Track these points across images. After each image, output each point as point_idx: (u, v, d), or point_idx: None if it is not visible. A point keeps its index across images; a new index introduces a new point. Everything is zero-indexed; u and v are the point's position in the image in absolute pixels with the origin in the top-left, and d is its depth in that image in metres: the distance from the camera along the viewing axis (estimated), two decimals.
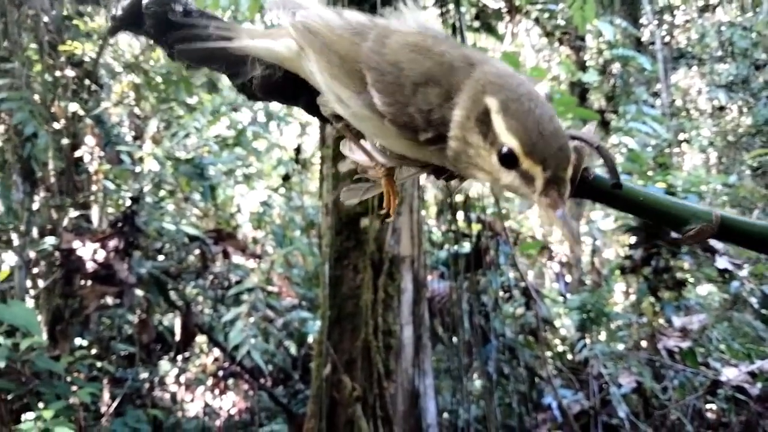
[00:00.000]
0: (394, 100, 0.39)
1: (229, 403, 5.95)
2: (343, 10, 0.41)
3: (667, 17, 8.52)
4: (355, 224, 3.09)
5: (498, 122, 0.37)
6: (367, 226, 3.05)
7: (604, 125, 5.66)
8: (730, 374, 3.89)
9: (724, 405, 4.01)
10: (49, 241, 3.55)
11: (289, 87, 0.44)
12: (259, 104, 6.02)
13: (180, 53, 0.45)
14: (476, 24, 4.63)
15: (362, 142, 0.44)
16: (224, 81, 5.57)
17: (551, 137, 0.37)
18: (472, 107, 0.38)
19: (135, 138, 4.74)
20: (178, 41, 0.45)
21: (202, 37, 0.45)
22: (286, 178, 5.77)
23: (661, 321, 4.38)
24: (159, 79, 4.81)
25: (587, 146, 0.41)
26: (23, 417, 2.89)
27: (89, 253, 3.35)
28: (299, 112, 6.74)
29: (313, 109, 0.44)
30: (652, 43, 7.29)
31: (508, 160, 0.38)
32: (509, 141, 0.37)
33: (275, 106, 6.10)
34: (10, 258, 3.89)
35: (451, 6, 3.69)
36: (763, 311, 4.24)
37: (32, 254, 3.65)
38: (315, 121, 6.77)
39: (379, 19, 0.41)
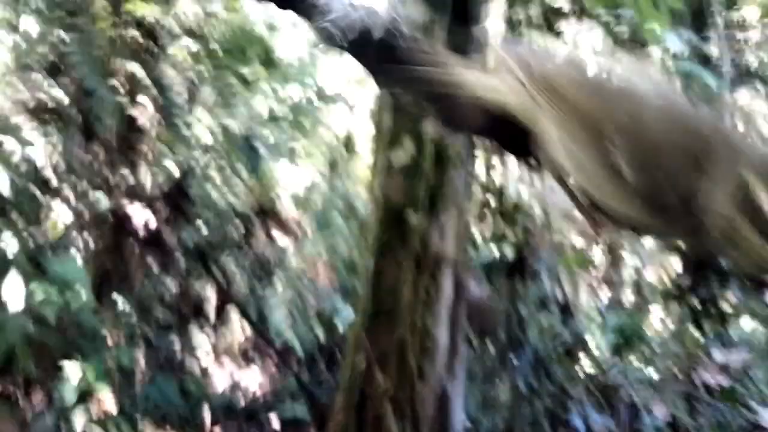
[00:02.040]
0: (643, 161, 0.37)
1: (255, 381, 6.02)
2: (585, 68, 0.39)
3: (738, 34, 8.17)
4: (401, 219, 3.06)
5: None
6: (413, 222, 3.02)
7: None
8: None
9: None
10: (103, 200, 3.62)
11: (503, 127, 0.42)
12: (311, 81, 6.02)
13: (395, 82, 0.45)
14: (541, 23, 4.52)
15: (578, 195, 0.43)
16: (279, 54, 5.58)
17: None
18: (733, 188, 0.36)
19: (188, 104, 4.78)
20: (398, 71, 0.44)
21: (418, 62, 0.44)
22: (333, 165, 5.78)
23: (701, 353, 4.25)
24: (216, 47, 4.83)
25: None
26: (64, 370, 2.97)
27: (142, 218, 3.41)
28: (349, 93, 6.70)
29: (518, 149, 0.43)
30: (719, 60, 7.01)
31: None
32: None
33: (326, 86, 6.09)
34: (65, 215, 3.99)
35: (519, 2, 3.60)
36: None
37: (86, 214, 3.74)
38: (364, 106, 6.73)
39: (626, 86, 0.39)
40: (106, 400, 2.81)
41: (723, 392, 3.83)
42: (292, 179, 6.18)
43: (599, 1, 4.60)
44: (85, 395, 2.82)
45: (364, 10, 0.42)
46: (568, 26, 5.32)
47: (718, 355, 4.14)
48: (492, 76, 0.41)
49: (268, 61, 5.23)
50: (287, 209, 6.01)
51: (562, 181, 0.40)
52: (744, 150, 0.35)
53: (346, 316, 4.99)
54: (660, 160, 0.35)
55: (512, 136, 0.41)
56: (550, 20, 4.78)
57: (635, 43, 6.32)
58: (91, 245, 3.78)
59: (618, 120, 0.36)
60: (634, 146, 0.36)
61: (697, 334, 4.27)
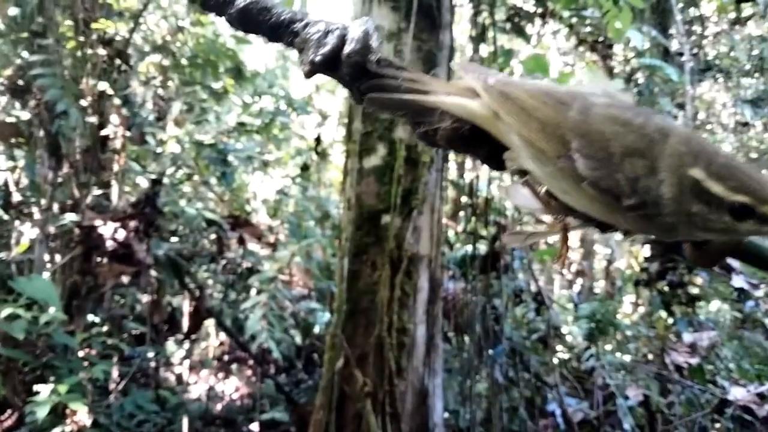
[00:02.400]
0: (601, 165, 0.42)
1: (232, 387, 6.00)
2: (538, 81, 0.44)
3: (697, 28, 8.43)
4: (375, 221, 3.09)
5: (716, 188, 0.40)
6: (388, 223, 3.05)
7: None
8: (738, 394, 3.88)
9: (730, 424, 4.00)
10: (70, 217, 3.58)
11: (473, 139, 0.46)
12: (281, 92, 6.04)
13: (370, 100, 0.48)
14: (507, 25, 4.62)
15: (542, 194, 0.47)
16: (249, 68, 5.60)
17: (760, 177, 0.41)
18: (680, 183, 0.41)
19: (158, 119, 4.76)
20: (370, 89, 0.47)
21: (393, 87, 0.47)
22: (304, 168, 5.78)
23: (671, 335, 4.36)
24: (185, 62, 4.82)
25: None
26: (36, 389, 2.92)
27: (110, 231, 3.37)
28: (319, 102, 6.74)
29: (492, 160, 0.47)
30: (680, 54, 7.21)
31: (744, 213, 0.42)
32: (739, 198, 0.40)
33: (296, 94, 6.12)
34: (31, 232, 3.93)
35: (485, 6, 3.68)
36: None
37: (52, 229, 3.68)
38: (335, 113, 6.77)
39: (573, 89, 0.44)
40: (80, 414, 2.77)
41: (692, 371, 3.94)
42: (265, 187, 6.17)
43: (563, 3, 4.71)
44: (57, 411, 2.77)
45: (339, 30, 0.44)
46: (534, 28, 5.43)
47: (687, 336, 4.26)
48: (458, 95, 0.44)
49: (238, 74, 5.21)
50: (260, 217, 6.00)
51: (530, 186, 0.44)
52: (686, 145, 0.40)
53: (322, 318, 5.01)
54: (613, 159, 0.40)
55: (485, 148, 0.45)
56: (516, 22, 4.88)
57: (599, 42, 6.48)
58: (60, 261, 3.73)
59: (572, 124, 0.41)
60: (588, 148, 0.40)
61: (667, 317, 4.39)
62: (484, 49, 4.00)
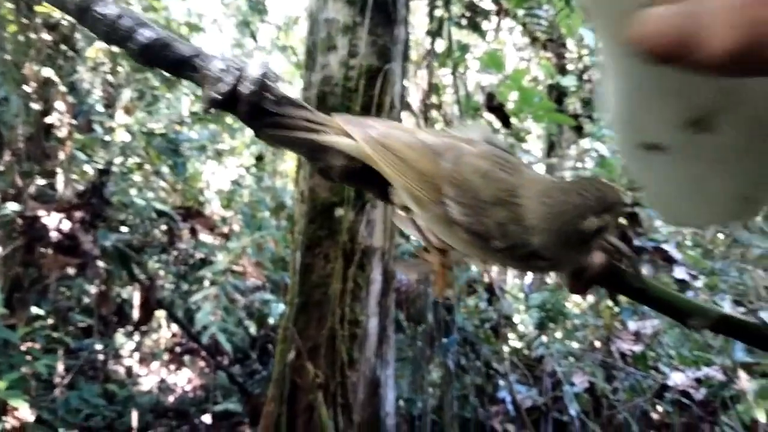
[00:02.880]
0: (473, 212, 0.45)
1: (184, 379, 5.92)
2: (416, 132, 0.46)
3: None
4: (329, 213, 3.09)
5: (583, 226, 0.43)
6: (341, 216, 3.06)
7: (578, 130, 5.77)
8: (678, 379, 4.06)
9: (670, 408, 4.18)
10: (12, 206, 3.45)
11: (366, 176, 0.49)
12: None
13: (267, 137, 0.49)
14: (463, 22, 4.65)
15: (424, 231, 0.50)
16: None
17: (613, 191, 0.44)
18: (544, 230, 0.44)
19: (106, 107, 4.62)
20: (267, 126, 0.49)
21: (290, 126, 0.49)
22: (259, 158, 5.71)
23: (617, 324, 4.52)
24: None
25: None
26: None
27: (54, 222, 3.26)
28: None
29: (385, 196, 0.49)
30: None
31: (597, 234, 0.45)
32: (595, 224, 0.43)
33: None
34: None
35: (440, 2, 3.71)
36: None
37: None
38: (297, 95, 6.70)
39: (448, 139, 0.47)
40: (22, 410, 2.69)
41: (636, 358, 4.10)
42: (218, 177, 6.07)
43: (515, 2, 4.78)
44: None
45: (235, 69, 0.45)
46: (490, 24, 5.49)
47: (632, 324, 4.42)
48: (347, 138, 0.47)
49: None
50: (214, 207, 5.91)
51: (414, 222, 0.47)
52: (546, 195, 0.44)
53: (277, 309, 4.99)
54: (482, 206, 0.44)
55: (378, 184, 0.48)
56: (472, 18, 4.91)
57: (552, 41, 6.60)
58: (1, 252, 3.59)
59: (444, 173, 0.44)
60: (460, 196, 0.44)
61: (613, 306, 4.54)
62: (441, 45, 4.03)
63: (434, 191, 0.46)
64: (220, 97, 0.47)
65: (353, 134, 0.47)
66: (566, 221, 0.42)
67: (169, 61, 0.49)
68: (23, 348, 3.16)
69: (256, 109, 0.47)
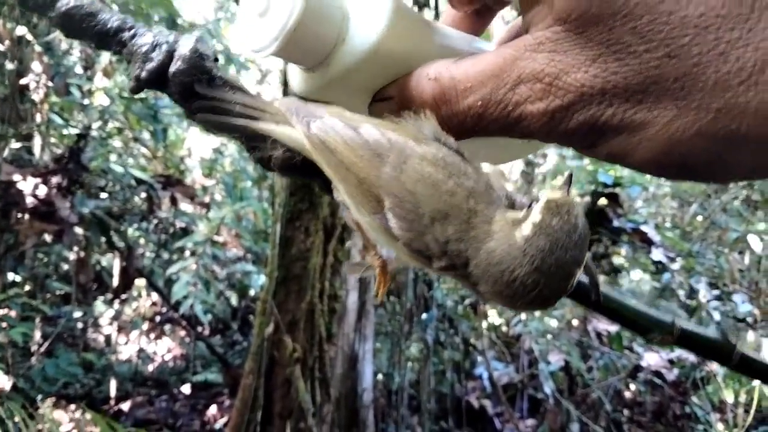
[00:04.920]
0: (412, 227, 0.40)
1: (164, 348, 5.92)
2: (361, 126, 0.42)
3: None
4: (310, 187, 3.06)
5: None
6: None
7: None
8: (651, 360, 4.15)
9: (642, 387, 4.28)
10: None
11: (307, 168, 0.45)
12: (219, 47, 5.81)
13: (201, 120, 0.45)
14: None
15: (367, 233, 0.45)
16: (185, 17, 5.35)
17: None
18: (488, 250, 0.39)
19: (85, 69, 4.50)
20: (200, 110, 0.44)
21: (226, 111, 0.44)
22: None
23: None
24: (115, 7, 4.54)
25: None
26: None
27: (30, 187, 3.20)
28: (260, 60, 6.53)
29: (328, 188, 0.45)
30: None
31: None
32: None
33: (237, 50, 5.91)
34: None
35: None
36: (688, 302, 4.50)
37: None
38: (276, 71, 6.59)
39: (394, 135, 0.42)
40: None
41: (611, 338, 4.16)
42: (200, 144, 5.98)
43: None
44: None
45: (167, 45, 0.41)
46: None
47: None
48: (289, 124, 0.43)
49: (173, 24, 4.95)
50: (194, 175, 5.83)
51: (356, 222, 0.43)
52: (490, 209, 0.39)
53: (258, 281, 4.97)
54: (423, 221, 0.39)
55: (320, 177, 0.44)
56: None
57: None
58: None
59: (384, 181, 0.39)
60: (399, 208, 0.39)
61: None
62: (428, 15, 3.96)
63: (374, 201, 0.41)
64: (147, 75, 0.42)
65: (294, 125, 0.43)
66: (524, 299, 0.38)
67: (92, 33, 0.44)
68: None
69: (188, 90, 0.43)
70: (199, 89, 0.43)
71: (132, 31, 0.44)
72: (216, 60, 0.45)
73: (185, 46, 0.43)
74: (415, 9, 3.94)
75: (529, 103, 0.38)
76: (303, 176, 0.46)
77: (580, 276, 0.41)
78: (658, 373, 4.16)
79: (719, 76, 0.32)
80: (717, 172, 0.35)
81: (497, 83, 0.39)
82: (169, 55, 0.43)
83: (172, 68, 0.42)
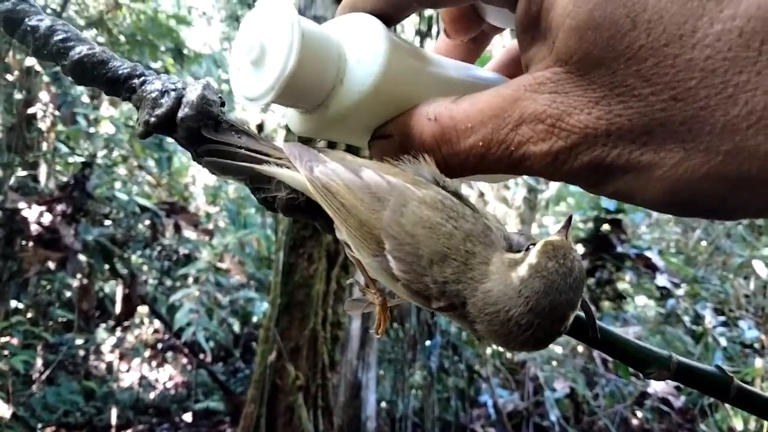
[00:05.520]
0: (411, 269, 0.41)
1: (166, 376, 5.88)
2: (362, 170, 0.43)
3: None
4: None
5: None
6: None
7: None
8: (658, 387, 4.10)
9: (649, 415, 4.22)
10: None
11: (310, 209, 0.46)
12: (224, 76, 5.89)
13: (207, 164, 0.46)
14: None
15: (367, 271, 0.46)
16: (191, 47, 5.44)
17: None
18: (485, 291, 0.40)
19: (91, 98, 4.56)
20: (207, 153, 0.45)
21: (232, 154, 0.46)
22: None
23: None
24: (123, 39, 4.63)
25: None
26: None
27: (35, 215, 3.22)
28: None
29: (331, 229, 0.46)
30: None
31: None
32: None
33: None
34: None
35: None
36: (694, 328, 4.47)
37: None
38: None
39: (395, 179, 0.43)
40: None
41: (617, 365, 4.11)
42: (204, 172, 6.01)
43: None
44: None
45: (175, 92, 0.42)
46: None
47: (614, 330, 4.43)
48: (292, 170, 0.44)
49: (179, 54, 5.04)
50: (198, 203, 5.86)
51: (357, 262, 0.44)
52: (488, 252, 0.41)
53: (261, 308, 4.96)
54: (422, 263, 0.40)
55: (322, 218, 0.45)
56: None
57: None
58: None
59: (385, 224, 0.41)
60: (399, 251, 0.41)
61: (595, 311, 4.55)
62: (430, 45, 4.02)
63: (375, 243, 0.42)
64: (156, 120, 0.44)
65: (298, 169, 0.44)
66: (518, 339, 0.39)
67: (103, 80, 0.46)
68: (1, 343, 3.11)
69: (195, 134, 0.44)
70: (205, 134, 0.44)
71: (141, 78, 0.46)
72: (223, 104, 0.46)
73: (193, 92, 0.44)
74: (417, 39, 4.00)
75: (532, 144, 0.38)
76: (306, 217, 0.47)
77: (578, 312, 0.41)
78: (665, 400, 4.10)
79: (728, 120, 0.32)
80: (723, 211, 0.35)
81: (498, 123, 0.39)
82: (178, 101, 0.44)
83: (180, 114, 0.43)
